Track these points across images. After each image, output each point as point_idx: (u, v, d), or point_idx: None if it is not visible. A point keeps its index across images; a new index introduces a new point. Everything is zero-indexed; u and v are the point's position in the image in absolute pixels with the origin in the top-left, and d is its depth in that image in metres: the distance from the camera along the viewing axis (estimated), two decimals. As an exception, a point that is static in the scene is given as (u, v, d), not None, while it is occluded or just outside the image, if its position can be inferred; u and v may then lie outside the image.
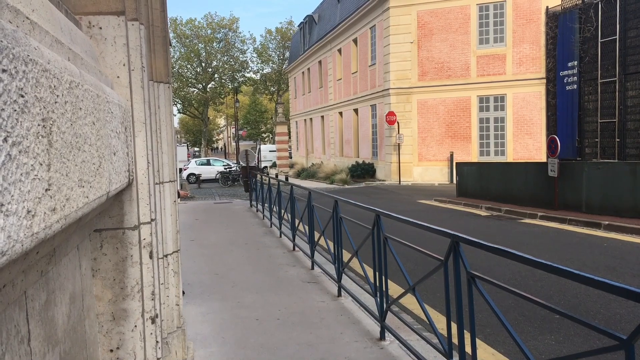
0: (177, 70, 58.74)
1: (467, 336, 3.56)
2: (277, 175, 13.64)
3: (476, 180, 17.12)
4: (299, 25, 44.48)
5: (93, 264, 2.38)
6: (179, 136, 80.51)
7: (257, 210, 15.79)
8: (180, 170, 32.77)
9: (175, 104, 60.88)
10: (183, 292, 4.91)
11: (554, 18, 22.65)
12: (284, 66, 57.69)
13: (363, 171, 27.72)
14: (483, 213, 14.68)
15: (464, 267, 3.49)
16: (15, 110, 1.01)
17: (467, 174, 17.63)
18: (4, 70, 0.96)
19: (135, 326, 2.46)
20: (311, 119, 40.73)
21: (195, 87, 63.28)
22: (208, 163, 36.70)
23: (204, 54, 60.45)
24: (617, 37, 18.85)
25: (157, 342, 2.66)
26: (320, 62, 37.49)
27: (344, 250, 6.75)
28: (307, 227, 8.64)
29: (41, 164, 1.15)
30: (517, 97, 24.10)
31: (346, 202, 6.45)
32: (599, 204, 12.40)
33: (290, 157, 44.08)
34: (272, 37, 63.91)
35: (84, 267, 2.21)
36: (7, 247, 0.96)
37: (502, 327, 3.15)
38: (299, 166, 37.84)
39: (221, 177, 31.17)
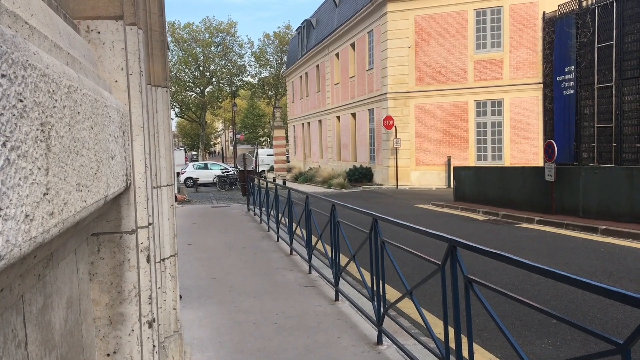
0: (175, 74, 58.75)
1: (464, 341, 3.56)
2: (274, 179, 13.65)
3: (473, 185, 17.14)
4: (296, 30, 44.56)
5: (90, 268, 2.38)
6: (176, 140, 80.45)
7: (254, 215, 15.79)
8: (178, 174, 32.72)
9: (173, 108, 60.86)
10: (180, 296, 4.91)
11: (550, 23, 22.74)
12: (282, 70, 57.77)
13: (360, 175, 27.74)
14: (480, 217, 14.70)
15: (461, 271, 3.49)
16: (14, 115, 1.02)
17: (465, 179, 17.66)
18: (3, 75, 0.96)
19: (132, 330, 2.45)
20: (309, 123, 40.76)
21: (193, 91, 63.28)
22: (206, 167, 36.64)
23: (202, 58, 60.48)
24: (614, 42, 18.93)
25: (154, 346, 2.66)
26: (318, 66, 37.55)
27: (341, 255, 6.75)
28: (304, 231, 8.64)
29: (39, 169, 1.16)
30: (514, 102, 24.16)
31: (344, 206, 6.45)
32: (596, 208, 12.43)
33: (288, 161, 44.08)
34: (270, 42, 64.03)
35: (81, 271, 2.21)
36: (5, 252, 0.96)
37: (500, 332, 3.15)
38: (296, 170, 37.84)
39: (219, 181, 31.14)
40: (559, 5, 22.12)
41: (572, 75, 21.25)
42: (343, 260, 6.77)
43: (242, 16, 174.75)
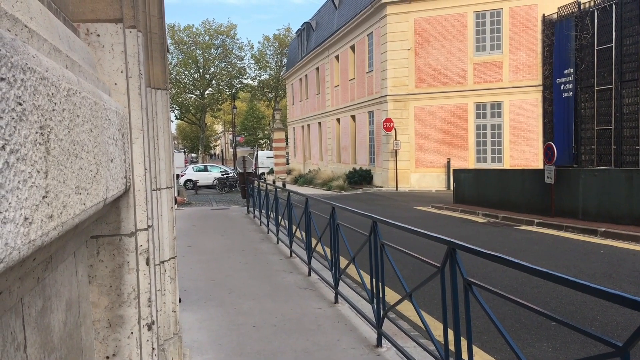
0: (175, 76, 58.79)
1: (464, 343, 3.56)
2: (274, 182, 13.65)
3: (473, 187, 17.15)
4: (296, 32, 44.62)
5: (89, 271, 2.38)
6: (176, 142, 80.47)
7: (254, 217, 15.78)
8: (178, 176, 32.72)
9: (173, 110, 60.88)
10: (180, 299, 4.91)
11: (550, 26, 22.77)
12: (282, 73, 57.83)
13: (360, 177, 27.74)
14: (480, 220, 14.70)
15: (460, 273, 3.49)
16: (14, 118, 1.02)
17: (464, 181, 17.67)
18: (2, 79, 0.97)
19: (132, 333, 2.45)
20: (308, 125, 40.78)
21: (192, 94, 63.33)
22: (205, 169, 36.63)
23: (201, 60, 60.54)
24: (613, 44, 18.95)
25: (153, 349, 2.66)
26: (317, 68, 37.58)
27: (341, 257, 6.75)
28: (304, 234, 8.64)
29: (39, 172, 1.16)
30: (514, 104, 24.19)
31: (343, 208, 6.45)
32: (596, 210, 12.43)
33: (288, 164, 44.08)
34: (270, 44, 64.10)
35: (81, 273, 2.21)
36: (4, 255, 0.97)
37: (499, 334, 3.15)
38: (296, 172, 37.84)
39: (218, 183, 31.13)
40: (558, 8, 22.15)
41: (571, 78, 21.28)
42: (343, 262, 6.77)
43: (241, 19, 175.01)
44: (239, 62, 62.45)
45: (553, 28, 22.49)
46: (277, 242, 11.12)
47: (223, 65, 61.71)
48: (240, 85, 63.58)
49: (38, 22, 1.52)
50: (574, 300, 6.65)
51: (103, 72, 2.42)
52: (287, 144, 46.95)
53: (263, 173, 38.50)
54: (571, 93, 21.36)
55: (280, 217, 11.17)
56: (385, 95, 25.54)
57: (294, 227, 9.66)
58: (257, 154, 41.75)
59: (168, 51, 5.47)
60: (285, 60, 57.92)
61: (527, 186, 14.72)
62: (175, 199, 14.01)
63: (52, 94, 1.28)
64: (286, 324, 5.89)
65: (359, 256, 5.92)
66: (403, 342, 4.85)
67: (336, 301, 6.69)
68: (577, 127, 21.28)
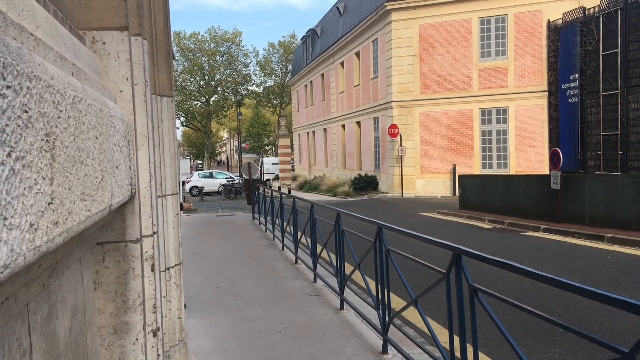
0: (181, 83, 59.04)
1: (469, 350, 3.55)
2: (279, 188, 13.66)
3: (479, 193, 17.11)
4: (301, 39, 44.73)
5: (95, 277, 2.39)
6: (182, 149, 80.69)
7: (259, 223, 15.79)
8: (183, 183, 32.80)
9: (179, 117, 61.11)
10: (185, 305, 4.91)
11: (555, 31, 22.74)
12: (287, 79, 57.98)
13: (365, 184, 27.72)
14: (486, 225, 14.65)
15: (466, 280, 3.48)
16: (19, 126, 1.03)
17: (470, 187, 17.63)
18: (8, 87, 0.98)
19: (137, 339, 2.46)
20: (314, 131, 40.83)
21: (198, 100, 63.55)
22: (211, 176, 36.71)
23: (207, 67, 60.78)
24: (619, 50, 18.90)
25: (158, 355, 2.66)
26: (322, 75, 37.65)
27: (346, 263, 6.74)
28: (309, 240, 8.64)
29: (44, 178, 1.17)
30: (519, 110, 24.14)
31: (348, 214, 6.45)
32: (602, 216, 12.37)
33: (293, 170, 44.10)
34: (275, 51, 64.29)
35: (86, 280, 2.22)
36: (10, 261, 0.97)
37: (505, 341, 3.14)
38: (301, 179, 37.85)
39: (224, 189, 31.18)
40: (563, 14, 22.13)
41: (577, 83, 21.22)
42: (348, 268, 6.76)
43: (247, 26, 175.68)
44: (244, 69, 62.70)
45: (558, 34, 22.45)
46: (283, 249, 11.11)
47: (228, 72, 61.94)
48: (245, 92, 63.78)
49: (44, 31, 1.54)
50: (581, 306, 6.61)
51: (109, 80, 2.43)
52: (292, 150, 46.99)
53: (268, 179, 38.54)
54: (577, 98, 21.29)
55: (285, 224, 11.17)
56: (391, 102, 25.55)
57: (299, 234, 9.66)
58: (262, 161, 41.78)
59: (174, 58, 5.49)
60: (290, 67, 58.08)
61: (533, 192, 14.67)
62: (182, 205, 14.07)
63: (58, 102, 1.29)
64: (292, 331, 5.88)
65: (364, 262, 5.91)
66: (409, 349, 4.83)
67: (342, 307, 6.67)
68: (583, 133, 21.19)
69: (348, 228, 6.53)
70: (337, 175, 33.00)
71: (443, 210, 17.97)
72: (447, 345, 3.98)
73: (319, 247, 8.24)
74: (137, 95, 2.53)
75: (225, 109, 64.85)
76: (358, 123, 30.91)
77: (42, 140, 1.16)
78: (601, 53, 19.76)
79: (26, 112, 1.07)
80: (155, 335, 2.61)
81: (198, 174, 37.11)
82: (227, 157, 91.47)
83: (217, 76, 61.83)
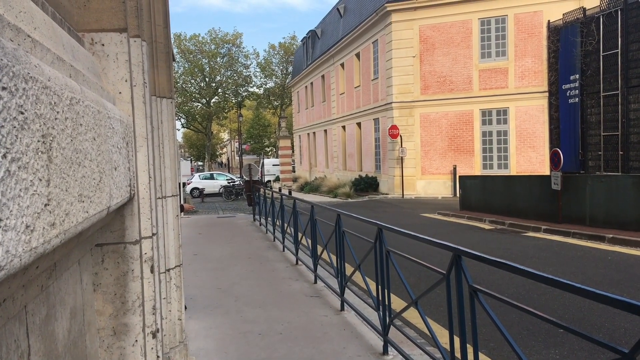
0: (181, 85, 59.05)
1: (470, 350, 3.54)
2: (280, 189, 13.66)
3: (479, 194, 17.10)
4: (302, 40, 44.76)
5: (94, 279, 2.39)
6: (182, 150, 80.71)
7: (260, 224, 15.79)
8: (184, 184, 32.81)
9: (179, 119, 61.12)
10: (185, 307, 4.91)
11: (555, 32, 22.74)
12: (287, 81, 57.99)
13: (366, 185, 27.72)
14: (486, 226, 14.64)
15: (466, 280, 3.48)
16: (15, 127, 1.03)
17: (470, 187, 17.62)
18: (3, 88, 0.97)
19: (136, 341, 2.45)
20: (314, 132, 40.84)
21: (199, 102, 63.55)
22: (211, 177, 36.72)
23: (207, 69, 60.78)
24: (619, 50, 18.90)
25: (158, 357, 2.66)
26: (323, 76, 37.67)
27: (346, 264, 6.74)
28: (310, 241, 8.64)
29: (40, 180, 1.17)
30: (520, 111, 24.14)
31: (349, 215, 6.45)
32: (603, 217, 12.36)
33: (294, 171, 44.11)
34: (276, 52, 64.29)
35: (85, 281, 2.22)
36: (5, 262, 0.97)
37: (506, 342, 3.13)
38: (302, 180, 37.85)
39: (225, 191, 31.19)
40: (563, 14, 22.13)
41: (577, 84, 21.22)
42: (348, 269, 6.75)
43: (247, 27, 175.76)
44: (244, 70, 62.67)
45: (558, 34, 22.46)
46: (283, 250, 11.11)
47: (229, 73, 61.92)
48: (246, 93, 63.75)
49: (42, 32, 1.54)
50: (582, 307, 6.60)
51: (107, 81, 2.43)
52: (293, 151, 47.00)
53: (269, 181, 38.54)
54: (577, 99, 21.29)
55: (286, 225, 11.17)
56: (391, 103, 25.56)
57: (299, 235, 9.65)
58: (263, 162, 41.78)
59: (174, 60, 5.50)
60: (290, 68, 58.09)
61: (533, 192, 14.66)
62: (183, 206, 14.06)
63: (55, 103, 1.29)
64: (292, 332, 5.87)
65: (365, 263, 5.91)
66: (409, 350, 4.83)
67: (342, 309, 6.67)
68: (583, 133, 21.19)
69: (348, 229, 6.53)
70: (338, 176, 33.00)
71: (444, 211, 17.97)
72: (447, 346, 3.97)
73: (319, 249, 8.23)
74: (136, 97, 2.53)
75: (226, 111, 64.83)
76: (358, 124, 30.91)
77: (38, 141, 1.16)
78: (601, 53, 19.76)
79: (22, 113, 1.06)
80: (154, 336, 2.61)
81: (199, 176, 37.13)
82: (228, 158, 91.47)
83: (218, 78, 61.82)
